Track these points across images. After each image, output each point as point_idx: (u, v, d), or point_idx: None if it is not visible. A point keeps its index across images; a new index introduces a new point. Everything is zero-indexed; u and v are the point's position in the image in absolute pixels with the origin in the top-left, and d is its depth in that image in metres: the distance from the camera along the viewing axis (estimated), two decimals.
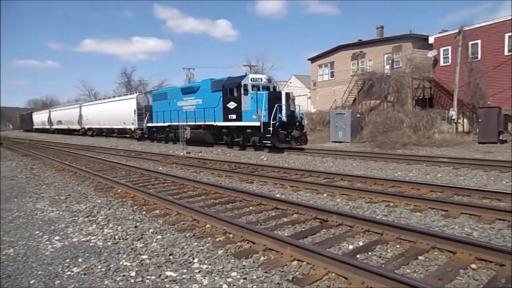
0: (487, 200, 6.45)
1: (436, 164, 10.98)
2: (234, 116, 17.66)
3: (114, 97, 35.77)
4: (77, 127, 40.90)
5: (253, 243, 4.42)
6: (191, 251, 4.31)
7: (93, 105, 38.00)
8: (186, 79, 39.47)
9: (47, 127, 51.78)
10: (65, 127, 44.88)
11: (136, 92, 29.87)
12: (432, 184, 7.59)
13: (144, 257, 4.17)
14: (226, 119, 18.16)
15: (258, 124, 16.16)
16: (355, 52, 31.44)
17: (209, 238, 4.72)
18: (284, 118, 16.21)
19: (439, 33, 26.33)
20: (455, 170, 9.89)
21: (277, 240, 4.23)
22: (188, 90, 21.58)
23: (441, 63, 25.93)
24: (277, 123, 15.87)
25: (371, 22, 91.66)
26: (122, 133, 32.17)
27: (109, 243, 4.66)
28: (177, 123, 21.31)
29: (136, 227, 5.33)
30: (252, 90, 17.23)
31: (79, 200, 7.33)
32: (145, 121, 26.38)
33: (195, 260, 4.04)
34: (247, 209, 6.25)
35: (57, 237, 4.97)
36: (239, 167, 11.46)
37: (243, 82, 17.26)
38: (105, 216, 5.96)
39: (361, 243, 4.40)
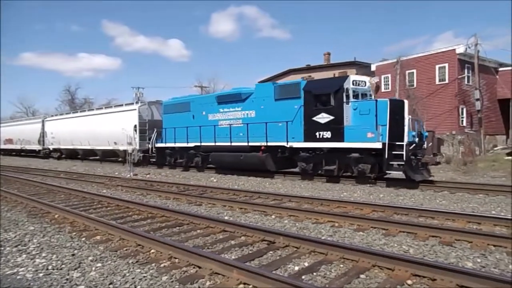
0: (422, 218, 6.89)
1: (379, 185, 11.56)
2: (327, 134, 12.20)
3: (100, 108, 27.33)
4: (37, 147, 32.32)
5: (199, 267, 4.31)
6: (133, 278, 4.09)
7: (65, 119, 29.09)
8: (135, 98, 38.41)
9: None
10: (18, 147, 35.93)
11: (137, 102, 22.11)
12: (375, 204, 7.98)
13: (81, 287, 3.89)
14: (310, 138, 12.63)
15: (377, 146, 11.01)
16: (304, 76, 32.74)
17: (153, 264, 4.53)
18: (416, 138, 11.47)
19: (380, 61, 28.45)
20: (396, 191, 10.47)
21: (224, 264, 4.17)
22: (230, 99, 15.60)
23: (383, 89, 27.88)
24: (413, 144, 11.11)
25: (319, 48, 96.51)
26: (109, 155, 24.61)
27: (41, 275, 4.28)
28: (211, 144, 16.05)
29: (73, 255, 4.97)
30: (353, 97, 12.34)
31: (8, 227, 6.67)
32: (153, 140, 19.63)
33: None
34: (195, 232, 6.11)
35: None
36: (188, 189, 11.23)
37: (345, 86, 12.07)
38: (38, 245, 5.49)
39: (306, 264, 4.47)
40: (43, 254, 5.03)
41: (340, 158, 12.17)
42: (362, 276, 4.05)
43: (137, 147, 20.40)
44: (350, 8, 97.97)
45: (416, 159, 11.37)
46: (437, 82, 24.99)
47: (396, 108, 11.33)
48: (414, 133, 11.43)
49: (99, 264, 4.58)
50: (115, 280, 4.06)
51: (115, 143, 22.28)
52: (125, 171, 17.37)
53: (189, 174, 16.72)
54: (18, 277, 4.25)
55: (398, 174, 11.51)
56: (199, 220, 6.68)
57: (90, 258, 4.81)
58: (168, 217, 7.19)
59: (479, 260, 4.53)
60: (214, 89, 45.72)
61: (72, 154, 28.63)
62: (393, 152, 10.88)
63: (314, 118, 12.53)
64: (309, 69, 32.92)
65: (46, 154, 31.43)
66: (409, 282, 3.84)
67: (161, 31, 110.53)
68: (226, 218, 7.16)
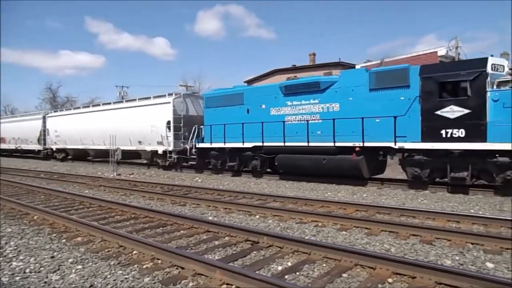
0: (404, 217, 7.01)
1: (362, 184, 11.61)
2: (459, 133, 9.68)
3: (119, 102, 22.56)
4: (36, 147, 28.31)
5: (182, 268, 4.30)
6: (114, 280, 4.04)
7: (74, 115, 24.89)
8: (119, 97, 37.82)
9: None
10: (12, 147, 31.64)
11: (171, 94, 18.15)
12: (358, 204, 8.08)
13: None
14: (431, 137, 10.05)
15: None
16: (290, 77, 32.89)
17: (135, 265, 4.48)
18: None
19: (364, 62, 28.81)
20: (379, 190, 10.61)
21: (207, 264, 4.16)
22: (304, 89, 12.77)
23: None
24: None
25: (304, 48, 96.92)
26: (130, 157, 21.05)
27: (17, 278, 4.17)
28: (279, 144, 13.09)
29: (52, 257, 4.86)
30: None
31: None
32: (193, 139, 16.17)
33: None
34: (178, 233, 6.08)
35: None
36: (172, 190, 11.14)
37: (488, 71, 9.57)
38: (15, 247, 5.34)
39: (289, 264, 4.49)
40: (21, 257, 4.90)
41: (475, 162, 9.63)
42: (344, 275, 4.09)
43: (171, 148, 17.12)
44: (335, 9, 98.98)
45: None
46: None
47: None
48: None
49: (80, 266, 4.50)
50: (96, 283, 3.99)
51: (140, 142, 18.98)
52: (109, 171, 17.09)
53: (173, 174, 16.56)
54: None
55: None
56: (183, 220, 6.64)
57: (70, 260, 4.72)
58: (151, 217, 7.13)
59: (457, 258, 4.63)
60: (199, 89, 45.36)
61: (81, 155, 25.12)
62: None
63: (439, 112, 9.96)
64: (295, 69, 33.08)
65: (48, 154, 27.51)
66: (389, 280, 3.90)
67: (146, 29, 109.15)
68: (210, 218, 7.14)
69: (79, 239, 5.75)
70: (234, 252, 5.02)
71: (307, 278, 4.07)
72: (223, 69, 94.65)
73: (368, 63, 28.02)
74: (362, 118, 11.10)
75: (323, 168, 12.04)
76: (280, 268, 4.36)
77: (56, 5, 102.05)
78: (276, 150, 13.31)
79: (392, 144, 10.70)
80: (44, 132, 27.35)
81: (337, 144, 11.69)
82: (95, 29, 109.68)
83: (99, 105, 24.13)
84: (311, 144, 12.30)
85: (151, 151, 18.44)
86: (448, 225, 6.40)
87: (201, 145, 16.00)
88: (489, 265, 4.39)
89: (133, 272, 4.26)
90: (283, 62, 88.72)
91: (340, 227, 6.27)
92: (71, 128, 24.29)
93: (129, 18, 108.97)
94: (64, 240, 5.68)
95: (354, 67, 28.69)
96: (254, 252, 4.96)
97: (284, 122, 13.06)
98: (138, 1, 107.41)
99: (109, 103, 22.88)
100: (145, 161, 20.17)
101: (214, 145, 15.32)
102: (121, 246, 5.20)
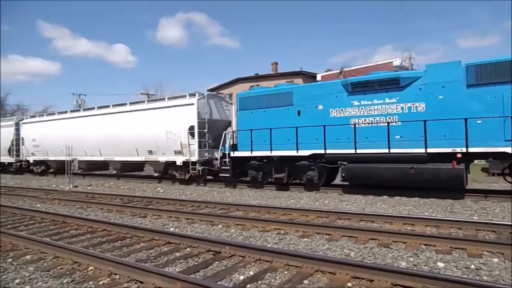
0: (363, 222, 7.23)
1: (324, 191, 11.85)
2: None
3: (121, 105, 18.21)
4: (6, 159, 24.06)
5: (142, 282, 4.15)
6: None
7: (59, 121, 20.91)
8: (76, 105, 36.30)
9: None
10: None
11: (194, 94, 15.27)
12: (320, 210, 8.23)
13: None
14: None
15: None
16: (252, 85, 33.17)
17: (91, 282, 4.26)
18: None
19: (325, 71, 29.71)
20: (340, 196, 10.87)
21: (167, 277, 4.04)
22: (376, 86, 10.98)
23: None
24: None
25: (267, 57, 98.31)
26: (134, 169, 18.93)
27: None
28: (348, 152, 11.08)
29: None
30: None
31: None
32: (224, 146, 13.81)
33: None
34: (138, 246, 5.88)
35: None
36: (132, 201, 10.80)
37: None
38: None
39: (251, 273, 4.46)
40: None
41: None
42: (305, 281, 4.13)
43: (195, 158, 14.48)
44: (297, 19, 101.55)
45: None
46: None
47: None
48: None
49: (27, 287, 4.20)
50: None
51: (151, 152, 16.06)
52: (64, 183, 16.25)
53: (135, 185, 16.03)
54: None
55: None
56: (143, 232, 6.43)
57: (17, 281, 4.40)
58: (109, 231, 6.86)
59: (412, 259, 4.82)
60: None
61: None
62: None
63: None
64: (258, 77, 33.45)
65: (22, 168, 23.35)
66: (349, 284, 3.98)
67: (105, 35, 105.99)
68: (171, 229, 6.98)
69: (28, 257, 5.38)
70: (195, 263, 4.91)
71: (269, 286, 4.06)
72: (186, 77, 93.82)
73: (329, 72, 28.91)
74: (466, 119, 9.34)
75: (411, 180, 10.11)
76: (242, 277, 4.33)
77: (3, 5, 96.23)
78: (342, 158, 11.29)
79: (508, 149, 8.96)
80: (17, 141, 23.28)
81: (429, 150, 9.93)
82: (49, 33, 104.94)
83: (93, 108, 20.08)
84: (394, 150, 10.37)
85: (166, 162, 15.65)
86: (404, 228, 6.67)
87: (237, 153, 13.43)
88: (440, 264, 4.61)
89: None
90: (246, 71, 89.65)
91: (302, 234, 6.34)
92: (56, 137, 20.28)
93: (87, 23, 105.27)
94: (10, 260, 5.28)
95: (315, 77, 29.49)
96: (216, 262, 4.89)
97: (355, 125, 11.10)
98: (98, 7, 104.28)
99: (108, 106, 18.98)
100: (156, 174, 17.19)
101: (255, 153, 12.97)
102: (76, 263, 4.93)
